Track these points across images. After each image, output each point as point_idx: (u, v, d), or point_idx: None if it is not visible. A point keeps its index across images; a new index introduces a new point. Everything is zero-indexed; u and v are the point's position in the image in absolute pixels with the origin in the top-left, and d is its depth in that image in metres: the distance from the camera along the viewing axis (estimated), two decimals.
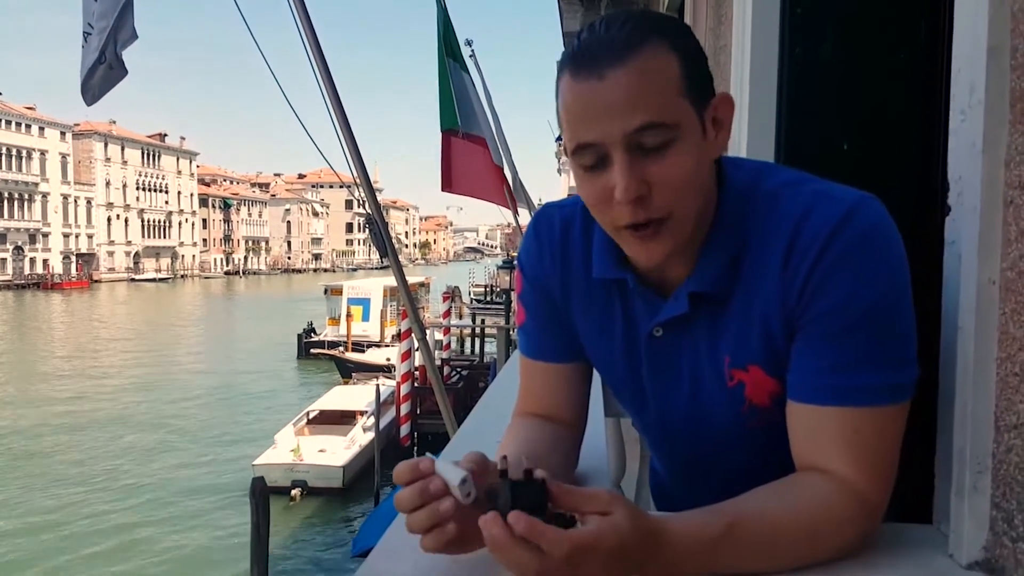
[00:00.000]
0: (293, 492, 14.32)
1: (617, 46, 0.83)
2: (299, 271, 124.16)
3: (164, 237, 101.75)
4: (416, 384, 16.60)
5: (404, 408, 16.38)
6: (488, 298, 41.19)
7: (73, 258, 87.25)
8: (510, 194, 7.83)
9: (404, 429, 16.41)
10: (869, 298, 0.85)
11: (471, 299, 42.06)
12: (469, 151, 6.99)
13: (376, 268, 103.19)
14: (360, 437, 15.78)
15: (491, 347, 23.05)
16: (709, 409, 1.00)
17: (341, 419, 17.08)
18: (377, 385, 16.85)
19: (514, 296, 1.17)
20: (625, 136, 0.83)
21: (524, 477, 0.74)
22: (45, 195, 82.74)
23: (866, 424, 0.86)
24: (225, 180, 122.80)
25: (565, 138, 0.89)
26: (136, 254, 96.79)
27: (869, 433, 0.87)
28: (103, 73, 3.86)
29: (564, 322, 1.08)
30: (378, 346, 27.85)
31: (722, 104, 0.91)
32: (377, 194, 3.99)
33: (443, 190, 7.15)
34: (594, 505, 0.74)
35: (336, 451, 15.16)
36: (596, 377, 1.18)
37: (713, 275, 0.93)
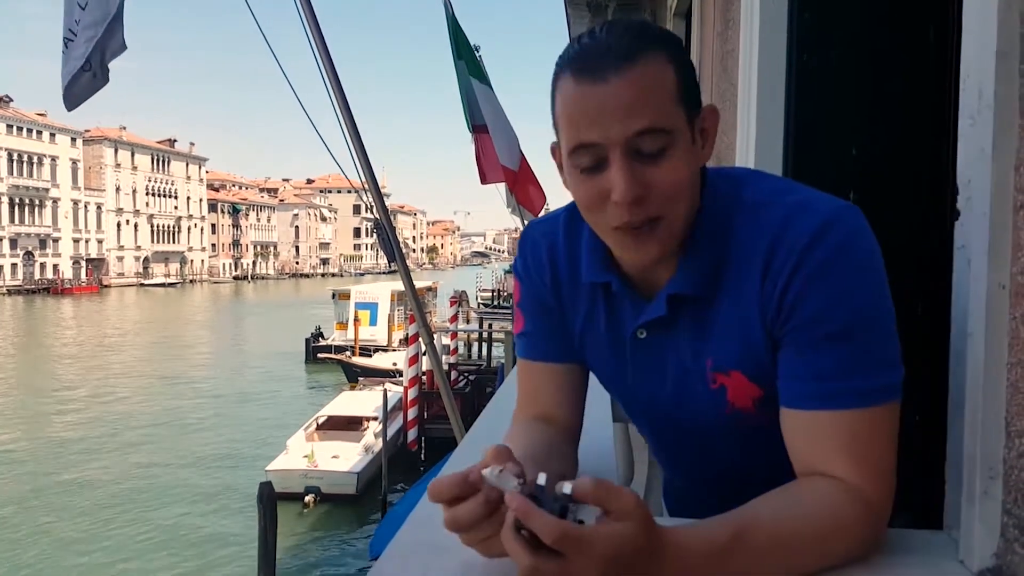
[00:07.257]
0: (307, 498, 14.31)
1: (620, 53, 0.86)
2: (307, 276, 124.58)
3: (173, 242, 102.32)
4: (423, 389, 16.59)
5: (412, 412, 16.35)
6: (495, 303, 41.21)
7: (83, 263, 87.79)
8: (538, 189, 7.94)
9: (411, 434, 16.38)
10: (848, 308, 0.88)
11: (478, 304, 42.07)
12: (485, 143, 7.18)
13: (384, 273, 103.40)
14: (373, 443, 15.78)
15: (498, 352, 23.03)
16: (694, 409, 1.04)
17: (348, 425, 17.09)
18: (384, 391, 16.85)
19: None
20: (626, 139, 0.86)
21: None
22: (56, 200, 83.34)
23: (862, 426, 0.88)
24: (234, 185, 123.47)
25: (563, 139, 0.92)
26: (145, 259, 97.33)
27: (866, 435, 0.88)
28: (87, 81, 3.90)
29: (559, 324, 1.13)
30: (385, 350, 27.87)
31: (709, 115, 0.95)
32: (385, 199, 4.00)
33: (482, 183, 7.34)
34: (616, 505, 0.72)
35: (350, 457, 15.15)
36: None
37: (692, 280, 0.96)
